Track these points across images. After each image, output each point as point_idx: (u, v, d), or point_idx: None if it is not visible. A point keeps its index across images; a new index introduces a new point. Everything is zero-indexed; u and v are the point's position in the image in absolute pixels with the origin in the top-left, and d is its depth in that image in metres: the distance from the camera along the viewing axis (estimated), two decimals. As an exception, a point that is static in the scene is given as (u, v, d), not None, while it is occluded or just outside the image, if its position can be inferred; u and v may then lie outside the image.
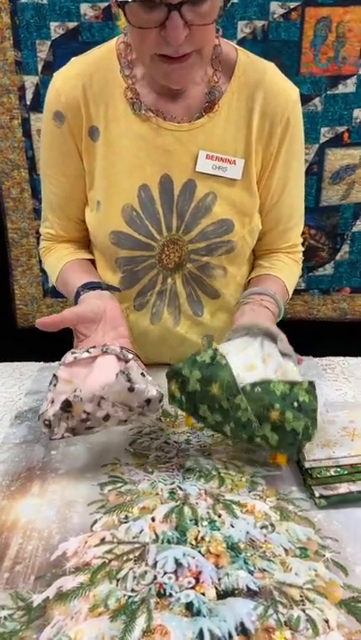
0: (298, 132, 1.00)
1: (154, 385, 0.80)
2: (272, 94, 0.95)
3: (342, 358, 1.16)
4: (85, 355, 0.81)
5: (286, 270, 1.09)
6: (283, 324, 0.95)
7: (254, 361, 0.82)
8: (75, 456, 0.88)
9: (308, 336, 1.28)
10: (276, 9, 1.51)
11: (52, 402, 0.79)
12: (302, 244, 1.14)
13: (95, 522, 0.75)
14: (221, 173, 0.96)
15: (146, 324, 1.06)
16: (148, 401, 0.79)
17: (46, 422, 0.79)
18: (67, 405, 0.78)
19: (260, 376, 0.80)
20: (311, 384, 0.81)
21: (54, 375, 0.82)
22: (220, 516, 0.75)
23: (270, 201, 1.03)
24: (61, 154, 0.99)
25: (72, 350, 0.84)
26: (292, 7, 1.51)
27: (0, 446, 0.90)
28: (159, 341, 1.08)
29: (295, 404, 0.78)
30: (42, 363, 1.15)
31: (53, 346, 1.04)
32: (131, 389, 0.78)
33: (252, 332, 0.87)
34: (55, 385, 0.81)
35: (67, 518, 0.76)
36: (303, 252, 1.15)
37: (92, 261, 1.08)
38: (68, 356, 0.83)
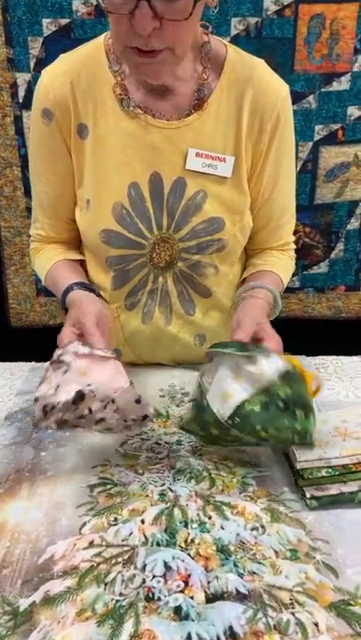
0: (288, 128, 0.99)
1: (150, 404, 0.81)
2: (261, 91, 0.94)
3: (336, 357, 1.15)
4: (100, 352, 0.80)
5: (280, 265, 1.08)
6: (277, 323, 0.94)
7: (225, 385, 0.81)
8: (64, 457, 0.87)
9: (303, 334, 1.28)
10: (270, 6, 1.50)
11: (57, 387, 0.77)
12: (296, 243, 1.13)
13: (84, 524, 0.74)
14: (211, 171, 0.95)
15: (137, 324, 1.05)
16: (145, 417, 0.79)
17: (47, 408, 0.76)
18: (79, 398, 0.76)
19: (235, 402, 0.79)
20: (287, 374, 0.79)
21: (61, 361, 0.78)
22: (210, 518, 0.75)
23: (261, 198, 1.02)
24: (50, 151, 0.98)
25: (77, 341, 0.81)
26: (285, 4, 1.50)
27: (-11, 448, 0.90)
28: (151, 341, 1.07)
29: (280, 404, 0.77)
30: (33, 363, 1.14)
31: (47, 345, 1.03)
32: (138, 401, 0.78)
33: (215, 357, 0.85)
34: (66, 371, 0.78)
35: (55, 521, 0.75)
36: (298, 251, 1.14)
37: (82, 262, 1.08)
38: (80, 348, 0.79)
